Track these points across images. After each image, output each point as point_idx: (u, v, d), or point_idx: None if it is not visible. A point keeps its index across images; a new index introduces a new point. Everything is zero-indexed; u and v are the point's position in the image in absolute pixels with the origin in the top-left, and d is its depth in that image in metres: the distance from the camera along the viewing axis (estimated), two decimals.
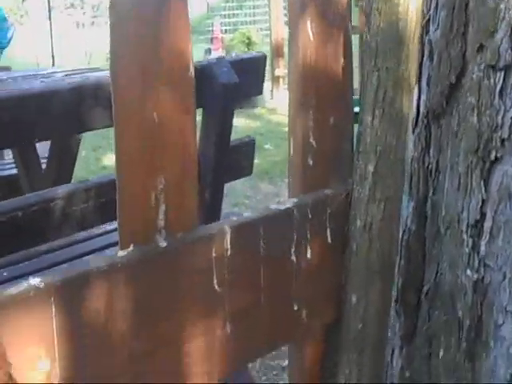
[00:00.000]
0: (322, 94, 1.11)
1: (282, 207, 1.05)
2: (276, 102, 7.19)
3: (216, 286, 0.95)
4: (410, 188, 1.22)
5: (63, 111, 1.92)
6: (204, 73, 1.65)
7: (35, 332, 0.76)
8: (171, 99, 0.90)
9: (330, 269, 1.11)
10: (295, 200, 1.08)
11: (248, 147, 2.00)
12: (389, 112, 1.04)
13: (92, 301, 0.81)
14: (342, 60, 1.12)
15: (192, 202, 0.94)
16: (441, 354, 1.11)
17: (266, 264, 1.01)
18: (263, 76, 2.55)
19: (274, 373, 2.66)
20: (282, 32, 7.99)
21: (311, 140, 1.11)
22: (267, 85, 7.81)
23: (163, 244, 0.89)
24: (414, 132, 1.21)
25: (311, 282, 1.08)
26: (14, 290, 0.76)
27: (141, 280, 0.86)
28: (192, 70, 0.93)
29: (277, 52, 8.09)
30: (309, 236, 1.07)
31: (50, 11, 9.41)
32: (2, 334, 0.72)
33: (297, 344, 1.14)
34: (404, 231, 1.22)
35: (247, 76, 2.24)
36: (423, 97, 1.18)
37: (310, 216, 1.07)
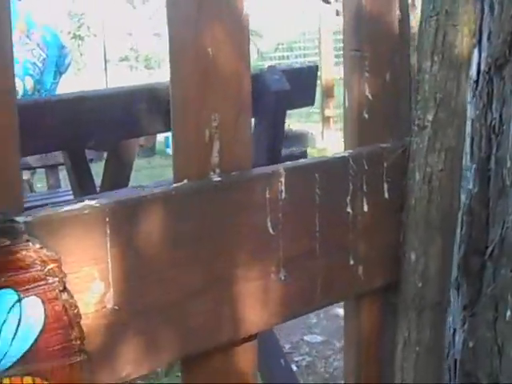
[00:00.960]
0: (377, 47, 1.10)
1: (338, 156, 1.04)
2: (326, 143, 7.25)
3: (270, 229, 0.94)
4: (472, 150, 1.20)
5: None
6: (256, 81, 1.67)
7: (90, 252, 0.76)
8: (226, 37, 0.90)
9: (387, 225, 1.09)
10: (351, 151, 1.07)
11: (300, 158, 2.03)
12: (448, 57, 1.02)
13: (145, 226, 0.81)
14: (397, 12, 1.12)
15: (246, 143, 0.94)
16: (508, 314, 1.08)
17: (321, 212, 1.00)
18: (315, 86, 2.57)
19: None
20: (332, 73, 8.09)
21: (367, 93, 1.10)
22: (318, 126, 7.91)
23: (217, 180, 0.89)
24: (473, 93, 1.20)
25: (368, 238, 1.06)
26: (69, 207, 0.76)
27: (194, 212, 0.86)
28: (246, 13, 0.93)
29: (327, 93, 8.20)
30: (365, 188, 1.05)
31: (105, 63, 9.83)
32: (58, 250, 0.72)
33: (353, 302, 1.11)
34: (466, 195, 1.20)
35: (299, 85, 2.26)
36: (484, 54, 1.17)
37: (366, 167, 1.05)
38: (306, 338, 3.22)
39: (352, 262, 1.04)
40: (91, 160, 3.12)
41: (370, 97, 1.10)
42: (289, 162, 0.99)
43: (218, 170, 0.91)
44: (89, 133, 2.01)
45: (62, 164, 3.27)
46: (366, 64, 1.10)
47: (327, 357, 3.02)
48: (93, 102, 1.99)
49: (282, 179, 0.95)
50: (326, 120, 7.92)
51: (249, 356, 0.95)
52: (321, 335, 3.24)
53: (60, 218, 0.75)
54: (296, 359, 2.97)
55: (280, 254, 0.95)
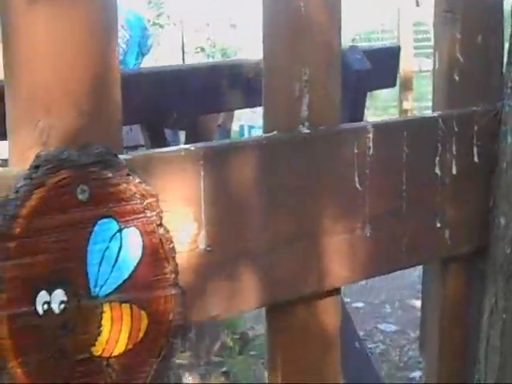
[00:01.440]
0: (469, 8, 1.09)
1: (428, 116, 1.04)
2: None
3: (357, 184, 0.95)
4: None
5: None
6: None
7: (185, 193, 0.80)
8: None
9: (476, 189, 1.08)
10: (440, 112, 1.06)
11: None
12: None
13: (236, 172, 0.84)
14: None
15: (335, 99, 0.95)
16: None
17: (408, 171, 1.00)
18: (396, 67, 2.55)
19: (400, 383, 2.62)
20: (411, 65, 7.95)
21: (458, 54, 1.09)
22: None
23: (306, 132, 0.91)
24: None
25: (456, 201, 1.06)
26: (166, 149, 0.80)
27: (283, 162, 0.88)
28: None
29: (405, 85, 8.06)
30: (454, 151, 1.05)
31: (183, 53, 10.05)
32: (155, 188, 0.76)
33: (438, 266, 1.11)
34: None
35: (380, 66, 2.25)
36: None
37: (455, 129, 1.05)
38: (380, 326, 3.20)
39: (439, 225, 1.04)
40: (168, 144, 3.19)
41: (461, 59, 1.09)
42: (377, 120, 1.00)
43: (306, 124, 0.92)
44: (170, 107, 2.07)
45: (143, 145, 3.36)
46: (458, 25, 1.09)
47: (401, 346, 3.00)
48: (174, 76, 2.04)
49: (370, 135, 0.96)
50: (403, 113, 7.80)
51: (332, 311, 0.96)
52: (395, 325, 3.21)
53: (158, 158, 0.78)
54: (370, 346, 2.96)
55: (366, 210, 0.96)
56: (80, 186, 0.70)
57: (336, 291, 0.96)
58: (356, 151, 0.94)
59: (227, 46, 11.39)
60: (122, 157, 0.74)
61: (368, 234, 0.96)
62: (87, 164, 0.71)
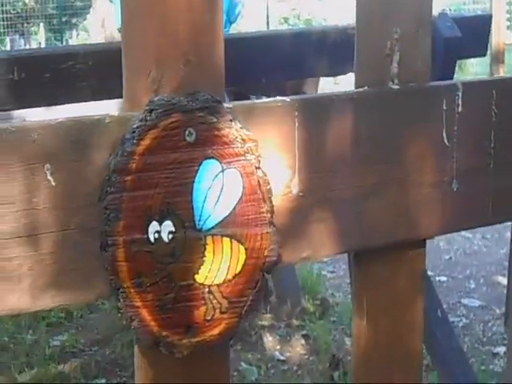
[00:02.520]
0: None
1: None
2: None
3: (445, 140, 0.98)
4: None
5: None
6: None
7: (280, 140, 0.86)
8: None
9: None
10: None
11: None
12: None
13: (328, 123, 0.89)
14: None
15: (425, 57, 0.99)
16: None
17: (496, 130, 1.02)
18: (487, 36, 2.50)
19: (484, 357, 2.62)
20: (503, 37, 7.69)
21: None
22: None
23: (396, 88, 0.96)
24: None
25: None
26: (264, 99, 0.87)
27: (373, 116, 0.93)
28: None
29: (497, 58, 7.81)
30: None
31: (268, 24, 10.13)
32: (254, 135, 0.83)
33: None
34: None
35: (470, 34, 2.23)
36: None
37: None
38: (463, 301, 3.20)
39: None
40: None
41: None
42: (466, 78, 1.03)
43: (396, 81, 0.97)
44: (257, 73, 2.13)
45: None
46: None
47: (486, 321, 2.99)
48: (262, 42, 2.10)
49: (459, 93, 0.99)
50: None
51: (418, 261, 1.01)
52: (479, 300, 3.20)
53: (257, 108, 0.85)
54: (452, 320, 2.97)
55: (453, 165, 0.99)
56: (188, 129, 0.78)
57: (422, 242, 1.01)
58: (445, 108, 0.98)
59: (312, 17, 11.34)
60: (225, 105, 0.82)
61: (455, 189, 1.00)
62: (195, 109, 0.78)
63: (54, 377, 2.51)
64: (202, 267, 0.78)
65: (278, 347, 2.67)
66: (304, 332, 2.76)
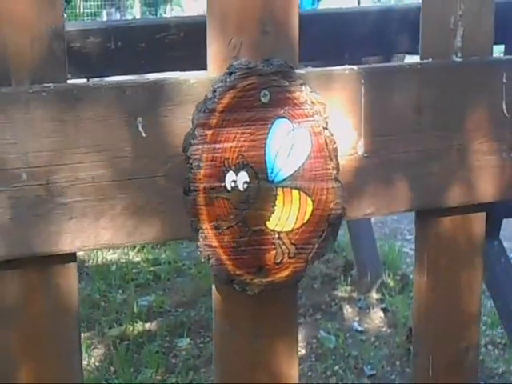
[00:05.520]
0: None
1: None
2: None
3: (504, 111, 1.04)
4: None
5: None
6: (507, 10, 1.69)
7: (347, 105, 0.95)
8: None
9: None
10: None
11: None
12: None
13: (393, 91, 0.97)
14: None
15: (488, 32, 1.05)
16: None
17: None
18: None
19: None
20: None
21: None
22: None
23: (458, 61, 1.02)
24: None
25: None
26: (333, 67, 0.96)
27: (436, 86, 1.00)
28: None
29: None
30: None
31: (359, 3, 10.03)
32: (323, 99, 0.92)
33: None
34: None
35: None
36: None
37: None
38: None
39: None
40: None
41: None
42: None
43: (459, 54, 1.03)
44: (340, 48, 2.20)
45: None
46: None
47: None
48: (346, 18, 2.17)
49: None
50: None
51: (476, 225, 1.08)
52: None
53: (326, 75, 0.95)
54: None
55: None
56: (263, 91, 0.88)
57: (481, 206, 1.07)
58: (505, 81, 1.03)
59: None
60: (297, 71, 0.91)
61: None
62: (269, 73, 0.89)
63: (141, 333, 2.71)
64: (272, 215, 0.89)
65: (357, 318, 2.76)
66: (383, 305, 2.83)
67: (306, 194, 0.90)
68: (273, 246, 0.89)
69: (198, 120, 0.87)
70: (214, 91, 0.87)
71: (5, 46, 0.86)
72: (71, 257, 0.90)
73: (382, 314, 2.78)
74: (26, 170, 0.85)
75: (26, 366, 0.90)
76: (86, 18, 15.00)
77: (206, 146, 0.86)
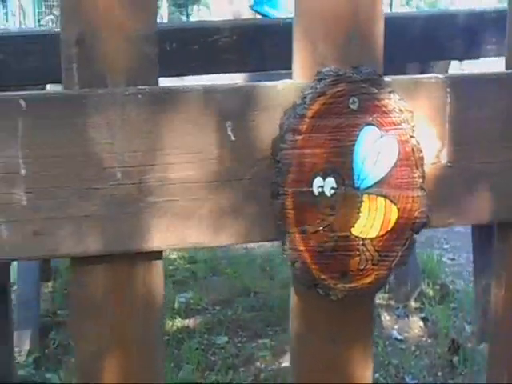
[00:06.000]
0: None
1: None
2: None
3: None
4: None
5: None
6: None
7: (433, 114, 0.96)
8: None
9: None
10: None
11: None
12: None
13: (479, 99, 0.98)
14: None
15: None
16: None
17: None
18: None
19: None
20: None
21: None
22: None
23: None
24: None
25: None
26: (421, 76, 0.97)
27: None
28: None
29: None
30: None
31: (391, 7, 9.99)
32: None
33: None
34: None
35: None
36: None
37: None
38: None
39: None
40: None
41: None
42: None
43: None
44: (390, 53, 2.21)
45: None
46: None
47: None
48: (393, 23, 2.18)
49: None
50: None
51: None
52: None
53: (414, 82, 0.96)
54: None
55: None
56: (352, 98, 0.89)
57: None
58: None
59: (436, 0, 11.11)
60: (385, 78, 0.93)
61: None
62: (359, 81, 0.90)
63: (180, 330, 2.74)
64: (358, 221, 0.90)
65: (396, 327, 2.76)
66: (422, 315, 2.83)
67: (392, 201, 0.91)
68: (357, 252, 0.90)
69: (289, 125, 0.88)
70: (304, 97, 0.89)
71: (102, 48, 0.88)
72: (158, 254, 0.92)
73: (421, 323, 2.77)
74: (121, 169, 0.88)
75: (111, 359, 0.92)
76: None
77: (295, 151, 0.88)
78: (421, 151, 0.92)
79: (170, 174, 0.89)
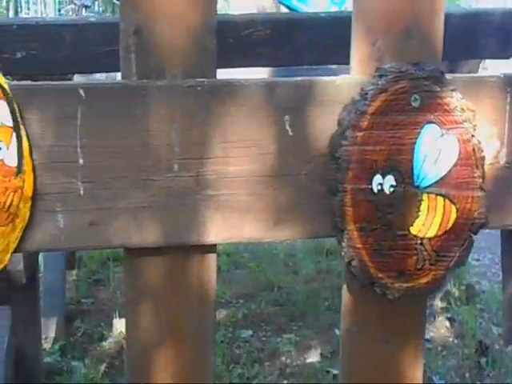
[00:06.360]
0: None
1: None
2: None
3: None
4: None
5: None
6: None
7: (491, 113, 0.94)
8: None
9: None
10: None
11: None
12: None
13: None
14: None
15: None
16: None
17: None
18: None
19: None
20: None
21: None
22: None
23: None
24: None
25: None
26: (481, 75, 0.95)
27: None
28: None
29: None
30: None
31: None
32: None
33: None
34: None
35: None
36: None
37: None
38: None
39: None
40: None
41: None
42: None
43: None
44: None
45: None
46: None
47: None
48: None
49: None
50: None
51: None
52: None
53: (474, 81, 0.94)
54: None
55: None
56: (414, 95, 0.88)
57: None
58: None
59: None
60: (447, 75, 0.91)
61: None
62: (421, 78, 0.88)
63: None
64: (416, 220, 0.88)
65: None
66: (449, 315, 2.80)
67: (451, 201, 0.89)
68: (415, 252, 0.89)
69: (349, 121, 0.87)
70: (366, 93, 0.87)
71: (161, 40, 0.87)
72: (212, 248, 0.92)
73: (447, 323, 2.75)
74: (178, 162, 0.87)
75: (164, 350, 0.91)
76: None
77: (355, 147, 0.86)
78: (482, 151, 0.91)
79: (228, 168, 0.88)
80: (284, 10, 6.61)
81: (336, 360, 2.50)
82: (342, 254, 0.88)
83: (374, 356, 0.97)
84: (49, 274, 2.80)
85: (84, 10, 9.24)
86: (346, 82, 0.91)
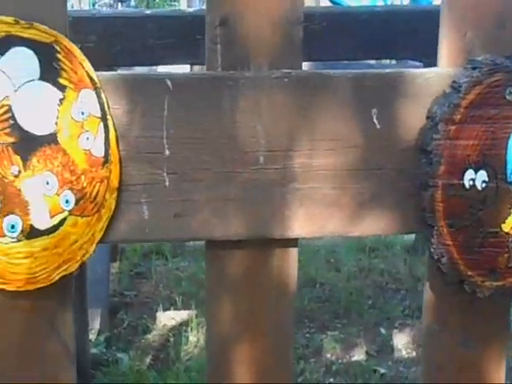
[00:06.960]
0: None
1: None
2: None
3: None
4: None
5: None
6: None
7: None
8: None
9: None
10: None
11: None
12: None
13: None
14: None
15: None
16: None
17: None
18: None
19: None
20: None
21: None
22: None
23: None
24: None
25: None
26: None
27: None
28: None
29: None
30: None
31: None
32: None
33: None
34: None
35: None
36: None
37: None
38: None
39: None
40: None
41: None
42: None
43: None
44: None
45: None
46: None
47: None
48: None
49: None
50: None
51: None
52: None
53: None
54: None
55: None
56: (508, 88, 0.85)
57: None
58: None
59: None
60: None
61: None
62: None
63: None
64: (508, 217, 0.86)
65: None
66: None
67: None
68: (506, 249, 0.86)
69: (442, 115, 0.85)
70: (459, 86, 0.85)
71: (246, 30, 0.86)
72: (294, 242, 0.90)
73: None
74: (264, 154, 0.85)
75: (244, 343, 0.90)
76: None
77: (448, 141, 0.84)
78: None
79: (314, 161, 0.86)
80: (323, 3, 6.56)
81: (383, 359, 2.48)
82: (431, 250, 0.86)
83: (454, 356, 0.94)
84: (94, 264, 2.81)
85: (120, 4, 9.29)
86: (436, 75, 0.89)
